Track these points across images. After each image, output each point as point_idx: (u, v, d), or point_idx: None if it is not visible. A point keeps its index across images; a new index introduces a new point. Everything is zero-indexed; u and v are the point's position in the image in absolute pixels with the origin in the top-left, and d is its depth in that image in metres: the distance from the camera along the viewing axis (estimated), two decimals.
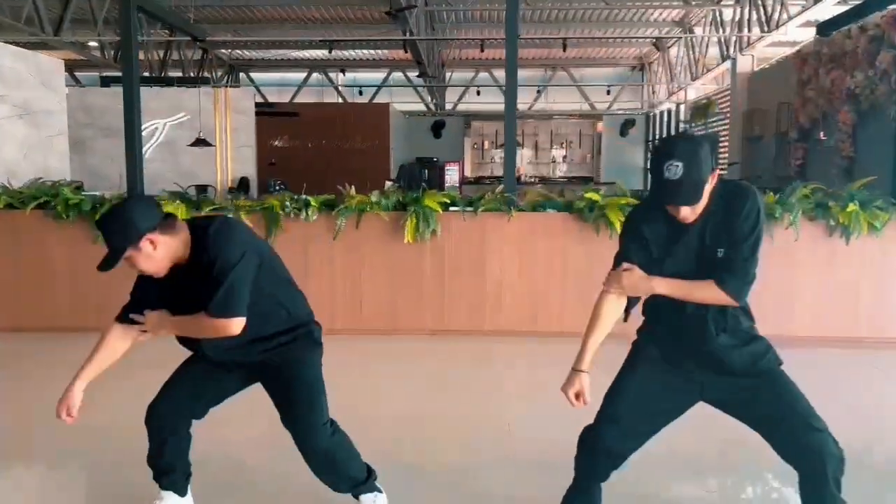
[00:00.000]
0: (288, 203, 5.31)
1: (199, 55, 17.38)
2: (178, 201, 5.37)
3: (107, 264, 2.26)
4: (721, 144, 13.21)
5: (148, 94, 9.76)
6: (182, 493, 2.64)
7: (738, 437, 2.91)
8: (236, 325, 2.25)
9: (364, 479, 2.57)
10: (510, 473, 3.06)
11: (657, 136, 17.02)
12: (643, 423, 2.28)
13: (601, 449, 2.28)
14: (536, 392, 4.26)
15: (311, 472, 2.49)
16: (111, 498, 2.94)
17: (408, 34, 11.88)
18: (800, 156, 10.06)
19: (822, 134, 8.92)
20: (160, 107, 9.63)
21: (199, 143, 8.57)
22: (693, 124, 15.27)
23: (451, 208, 5.43)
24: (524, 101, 19.85)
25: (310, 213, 5.28)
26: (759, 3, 11.49)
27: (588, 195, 5.28)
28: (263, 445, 3.33)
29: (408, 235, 5.24)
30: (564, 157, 18.88)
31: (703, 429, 3.24)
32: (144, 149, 9.63)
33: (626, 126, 17.54)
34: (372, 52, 18.04)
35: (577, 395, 2.24)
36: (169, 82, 11.48)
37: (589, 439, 2.31)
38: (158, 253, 2.23)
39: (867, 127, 8.46)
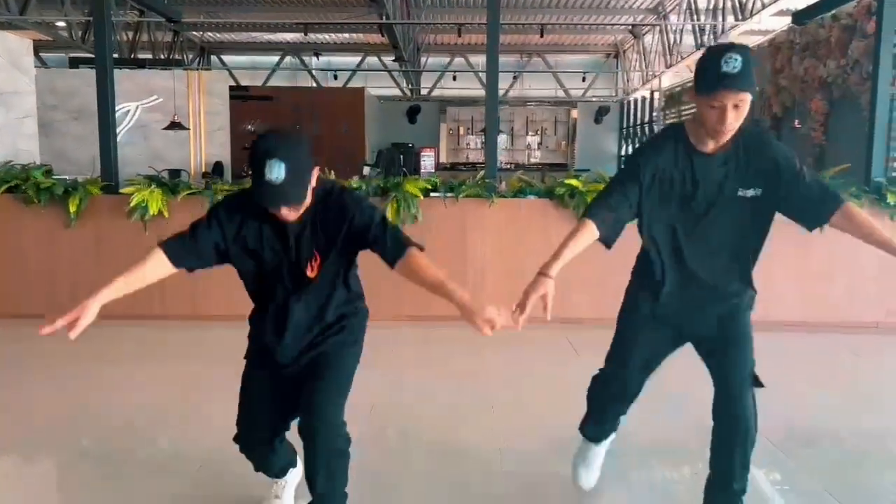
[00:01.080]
0: None
1: (171, 37, 17.04)
2: (153, 185, 5.27)
3: (295, 197, 1.98)
4: None
5: (119, 77, 9.50)
6: (294, 464, 2.56)
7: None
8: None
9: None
10: (492, 458, 3.07)
11: (631, 124, 17.13)
12: (648, 370, 2.50)
13: (628, 392, 2.54)
14: (519, 378, 4.28)
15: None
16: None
17: (384, 18, 11.76)
18: None
19: (796, 122, 9.05)
20: (132, 89, 9.42)
21: (174, 126, 8.41)
22: (667, 112, 15.40)
23: (433, 194, 5.41)
24: (500, 87, 19.81)
25: None
26: None
27: (569, 181, 5.29)
28: None
29: None
30: (539, 143, 18.91)
31: (686, 415, 3.29)
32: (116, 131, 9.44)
33: (601, 113, 17.61)
34: (347, 35, 17.84)
35: (543, 298, 2.19)
36: (140, 64, 11.24)
37: (614, 384, 2.54)
38: (302, 199, 2.02)
39: (839, 115, 8.61)
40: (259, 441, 2.34)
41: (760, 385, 2.35)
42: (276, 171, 1.89)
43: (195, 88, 9.42)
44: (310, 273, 2.16)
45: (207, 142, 9.44)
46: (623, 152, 17.51)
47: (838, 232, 4.38)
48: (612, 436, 2.78)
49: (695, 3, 13.74)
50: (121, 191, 5.33)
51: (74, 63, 11.19)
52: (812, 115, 9.04)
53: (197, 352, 4.74)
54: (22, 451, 3.22)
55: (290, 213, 2.03)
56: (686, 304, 2.35)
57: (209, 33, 17.99)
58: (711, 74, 2.07)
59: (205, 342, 4.93)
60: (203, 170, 9.40)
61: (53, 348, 4.75)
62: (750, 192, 2.21)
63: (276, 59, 19.89)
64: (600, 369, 2.60)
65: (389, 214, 5.22)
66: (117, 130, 9.42)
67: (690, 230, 2.27)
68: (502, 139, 18.71)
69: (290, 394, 2.28)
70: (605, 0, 14.45)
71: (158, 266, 2.16)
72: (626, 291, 2.52)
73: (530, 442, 3.24)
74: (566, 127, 18.71)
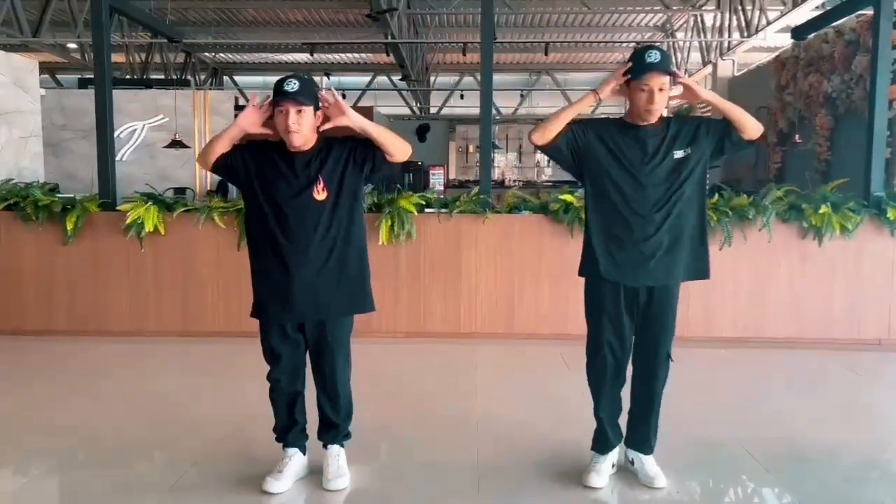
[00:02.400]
0: None
1: (183, 58, 17.30)
2: (149, 202, 5.31)
3: (296, 97, 2.53)
4: None
5: (126, 96, 9.68)
6: (304, 450, 2.90)
7: (708, 438, 2.91)
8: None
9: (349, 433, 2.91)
10: (485, 473, 3.03)
11: None
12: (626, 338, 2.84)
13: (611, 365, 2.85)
14: (511, 396, 4.24)
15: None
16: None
17: (390, 37, 11.87)
18: (778, 159, 10.14)
19: (797, 137, 8.98)
20: (139, 109, 9.55)
21: (175, 144, 8.49)
22: None
23: (427, 210, 5.41)
24: (508, 105, 19.91)
25: None
26: (739, 8, 11.59)
27: (563, 197, 5.27)
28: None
29: (382, 237, 5.21)
30: (549, 161, 18.86)
31: (676, 429, 3.24)
32: (123, 151, 9.55)
33: None
34: (356, 55, 18.03)
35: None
36: (147, 84, 11.38)
37: (599, 363, 2.85)
38: (314, 127, 2.63)
39: (844, 131, 8.54)
40: (288, 378, 2.79)
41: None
42: (292, 85, 2.54)
43: (201, 108, 9.53)
44: (317, 195, 2.63)
45: None
46: None
47: (838, 248, 4.39)
48: (617, 449, 2.95)
49: (701, 20, 13.75)
50: (117, 208, 5.38)
51: (83, 83, 11.36)
52: (817, 130, 8.97)
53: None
54: (36, 463, 3.22)
55: (297, 125, 2.55)
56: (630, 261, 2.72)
57: (221, 54, 18.25)
58: (639, 64, 2.59)
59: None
60: (208, 188, 9.46)
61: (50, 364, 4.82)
62: (680, 153, 2.67)
63: None
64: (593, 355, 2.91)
65: (384, 230, 5.22)
66: (123, 149, 9.60)
67: (633, 190, 2.67)
68: (511, 157, 18.73)
69: (299, 343, 2.80)
70: (612, 18, 14.50)
71: (224, 141, 2.70)
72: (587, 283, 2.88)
73: (522, 457, 3.19)
74: None
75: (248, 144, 2.69)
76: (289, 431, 2.87)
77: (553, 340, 5.18)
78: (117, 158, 9.31)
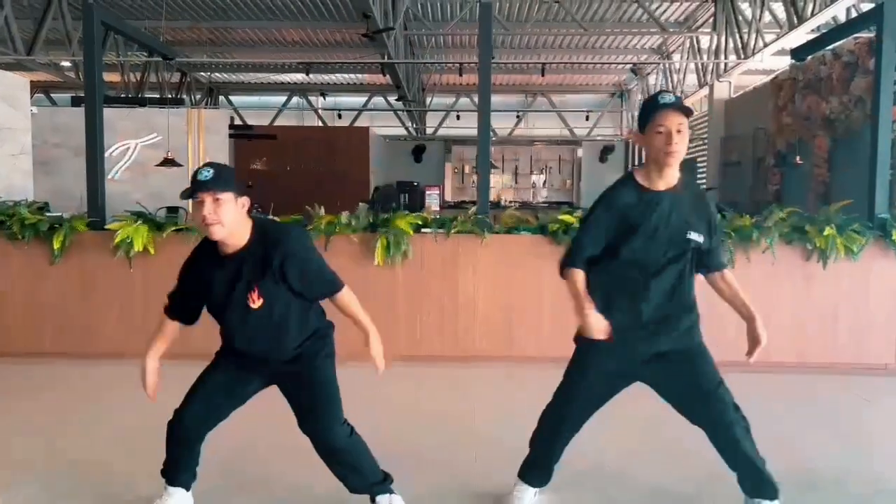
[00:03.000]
0: None
1: (178, 78, 17.26)
2: (139, 221, 5.19)
3: (212, 186, 2.34)
4: (699, 169, 13.26)
5: (120, 115, 9.60)
6: (189, 488, 2.76)
7: (718, 472, 2.79)
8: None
9: (381, 480, 2.70)
10: (479, 500, 2.89)
11: (636, 162, 17.05)
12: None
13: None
14: (511, 422, 4.09)
15: (331, 477, 2.65)
16: None
17: (386, 58, 11.85)
18: (777, 181, 10.09)
19: (798, 158, 8.93)
20: (132, 127, 9.46)
21: (167, 163, 8.38)
22: None
23: (424, 230, 5.30)
24: (504, 126, 19.91)
25: None
26: (735, 30, 11.61)
27: (562, 217, 5.17)
28: (284, 451, 3.27)
29: (378, 258, 5.10)
30: (545, 182, 18.89)
31: (685, 464, 3.11)
32: (115, 169, 9.43)
33: (606, 152, 17.60)
34: (353, 76, 18.03)
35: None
36: (141, 102, 11.31)
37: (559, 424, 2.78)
38: (239, 217, 2.40)
39: (843, 152, 8.49)
40: (196, 421, 2.61)
41: None
42: (205, 174, 2.36)
43: (195, 126, 9.44)
44: (252, 304, 2.45)
45: None
46: None
47: (843, 271, 4.29)
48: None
49: (697, 42, 13.79)
50: (106, 227, 5.25)
51: (77, 101, 11.28)
52: (816, 152, 8.93)
53: None
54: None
55: (214, 218, 2.33)
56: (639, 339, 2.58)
57: (216, 74, 18.23)
58: (653, 106, 2.47)
59: None
60: None
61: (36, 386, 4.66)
62: (695, 236, 2.54)
63: (283, 99, 20.10)
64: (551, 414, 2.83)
65: (378, 250, 5.10)
66: (116, 168, 9.49)
67: (651, 266, 2.53)
68: (507, 178, 18.72)
69: (243, 391, 2.64)
70: (607, 40, 14.54)
71: (174, 330, 2.71)
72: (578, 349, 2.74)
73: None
74: (571, 165, 18.70)
75: (188, 261, 2.60)
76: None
77: (553, 364, 5.03)
78: (109, 177, 9.24)
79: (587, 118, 19.24)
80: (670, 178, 2.53)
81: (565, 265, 2.59)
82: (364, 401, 4.29)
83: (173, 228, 5.21)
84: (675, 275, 2.55)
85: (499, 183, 18.35)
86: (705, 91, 13.28)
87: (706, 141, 13.04)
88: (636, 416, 3.47)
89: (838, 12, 9.32)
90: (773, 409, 4.32)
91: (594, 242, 2.55)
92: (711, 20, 12.63)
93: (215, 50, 15.45)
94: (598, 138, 19.38)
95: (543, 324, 5.19)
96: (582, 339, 2.64)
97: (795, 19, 9.71)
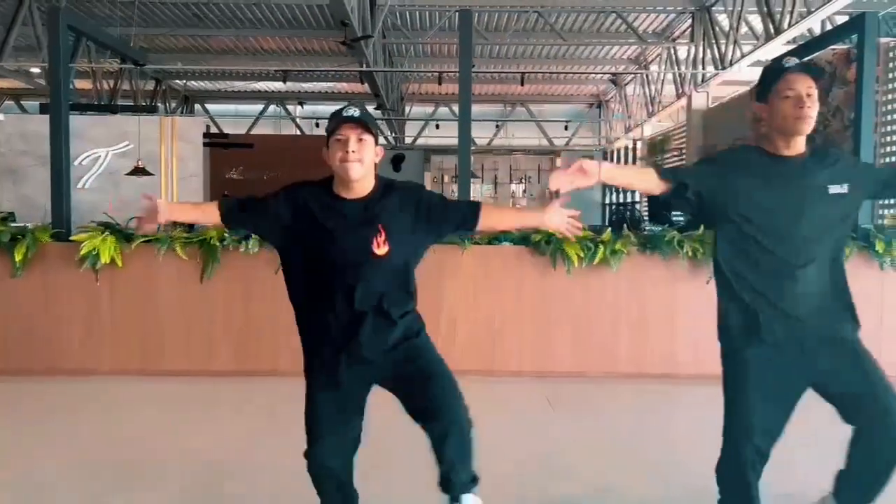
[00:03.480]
0: (227, 234, 4.98)
1: (153, 86, 16.99)
2: (106, 232, 4.99)
3: (361, 120, 2.25)
4: None
5: (91, 122, 9.34)
6: None
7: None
8: None
9: (476, 478, 2.43)
10: None
11: None
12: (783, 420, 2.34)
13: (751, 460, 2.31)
14: (493, 443, 3.95)
15: None
16: None
17: (364, 66, 11.73)
18: None
19: None
20: (103, 135, 9.19)
21: (138, 171, 8.17)
22: (650, 159, 15.38)
23: None
24: (484, 136, 19.88)
25: (250, 245, 4.95)
26: (713, 41, 11.67)
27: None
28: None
29: None
30: (524, 191, 18.86)
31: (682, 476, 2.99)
32: (85, 178, 9.17)
33: None
34: (331, 85, 17.88)
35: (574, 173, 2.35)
36: (112, 110, 11.05)
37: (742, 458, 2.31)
38: (371, 159, 2.29)
39: None
40: (332, 454, 2.37)
41: None
42: (353, 111, 2.26)
43: (168, 134, 9.22)
44: (376, 249, 2.27)
45: (179, 188, 9.19)
46: (608, 201, 17.45)
47: (856, 272, 4.11)
48: None
49: (675, 53, 13.85)
50: (71, 238, 5.05)
51: (45, 108, 10.98)
52: None
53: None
54: None
55: (356, 155, 2.22)
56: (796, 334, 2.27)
57: (192, 82, 17.98)
58: (778, 70, 2.23)
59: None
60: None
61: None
62: (838, 189, 2.23)
63: (260, 107, 19.89)
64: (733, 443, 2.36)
65: None
66: (86, 176, 9.23)
67: (781, 241, 2.23)
68: (487, 188, 18.66)
69: (358, 406, 2.42)
70: (587, 51, 14.57)
71: (211, 214, 2.43)
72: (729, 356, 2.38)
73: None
74: (550, 175, 18.68)
75: (294, 189, 2.41)
76: None
77: (536, 378, 4.93)
78: (79, 186, 8.99)
79: (566, 128, 19.29)
80: (799, 147, 2.27)
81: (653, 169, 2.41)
82: None
83: (142, 240, 5.01)
84: (824, 249, 2.32)
85: (478, 192, 18.28)
86: (683, 101, 13.33)
87: (684, 151, 13.06)
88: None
89: (814, 25, 9.38)
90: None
91: (697, 177, 2.32)
92: (689, 31, 12.70)
93: (191, 58, 15.22)
94: (577, 148, 19.41)
95: (526, 337, 5.07)
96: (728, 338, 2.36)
97: (772, 31, 9.76)
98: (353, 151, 2.22)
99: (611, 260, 4.92)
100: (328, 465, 2.40)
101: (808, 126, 2.22)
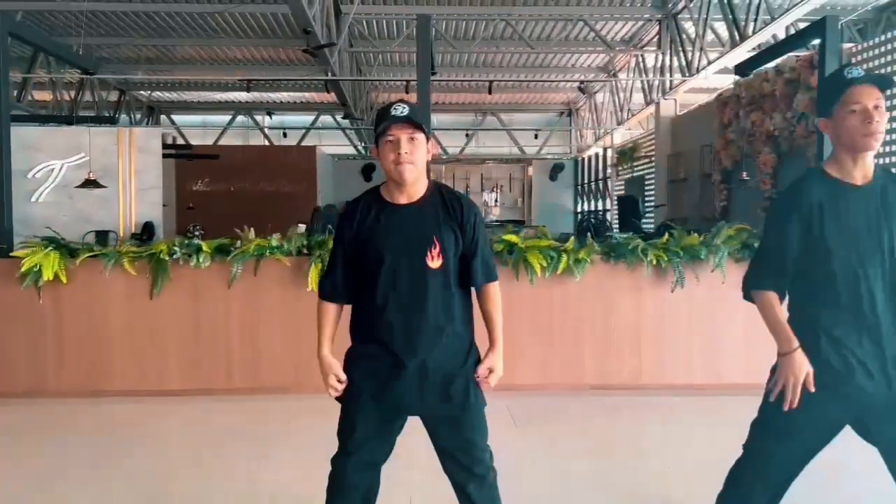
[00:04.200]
0: (177, 248, 4.78)
1: (116, 97, 16.66)
2: (49, 248, 4.76)
3: (410, 119, 2.11)
4: (647, 186, 13.29)
5: (44, 134, 9.05)
6: None
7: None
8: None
9: None
10: None
11: (587, 180, 17.11)
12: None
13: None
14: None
15: None
16: None
17: (330, 75, 11.58)
18: (724, 196, 10.11)
19: (744, 174, 8.94)
20: (59, 147, 8.91)
21: (89, 184, 7.91)
22: (620, 167, 15.40)
23: None
24: (455, 144, 19.81)
25: (201, 258, 4.76)
26: (680, 49, 11.71)
27: (506, 237, 4.94)
28: None
29: (312, 283, 4.78)
30: (496, 200, 18.78)
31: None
32: (39, 191, 8.88)
33: (556, 170, 17.59)
34: (299, 94, 17.68)
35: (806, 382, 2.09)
36: (68, 121, 10.76)
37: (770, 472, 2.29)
38: (424, 159, 2.17)
39: (788, 167, 8.52)
40: (362, 469, 2.28)
41: None
42: (401, 110, 2.11)
43: (125, 146, 8.96)
44: (430, 262, 2.14)
45: (138, 201, 8.92)
46: (579, 208, 17.44)
47: None
48: None
49: (643, 60, 13.90)
50: (12, 254, 4.81)
51: None
52: (761, 168, 8.95)
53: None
54: None
55: (409, 157, 2.10)
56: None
57: (157, 92, 17.67)
58: (839, 81, 2.05)
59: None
60: (133, 230, 8.85)
61: None
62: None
63: (228, 118, 19.62)
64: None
65: (313, 275, 4.79)
66: (40, 189, 8.94)
67: (869, 271, 2.05)
68: None
69: (391, 429, 2.31)
70: (556, 59, 14.57)
71: (332, 312, 2.37)
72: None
73: None
74: (522, 184, 18.65)
75: (346, 214, 2.27)
76: None
77: (498, 392, 4.78)
78: (33, 199, 8.70)
79: (536, 136, 19.28)
80: (868, 166, 2.09)
81: (752, 286, 2.23)
82: (291, 436, 3.96)
83: (88, 254, 4.79)
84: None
85: None
86: (652, 109, 13.36)
87: (653, 159, 13.09)
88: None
89: (778, 31, 9.44)
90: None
91: (783, 252, 2.15)
92: (656, 39, 12.75)
93: (155, 68, 14.95)
94: (549, 156, 19.41)
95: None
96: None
97: (738, 37, 9.81)
98: (405, 153, 2.11)
99: (574, 269, 4.80)
100: (353, 481, 2.29)
101: (878, 142, 2.05)
